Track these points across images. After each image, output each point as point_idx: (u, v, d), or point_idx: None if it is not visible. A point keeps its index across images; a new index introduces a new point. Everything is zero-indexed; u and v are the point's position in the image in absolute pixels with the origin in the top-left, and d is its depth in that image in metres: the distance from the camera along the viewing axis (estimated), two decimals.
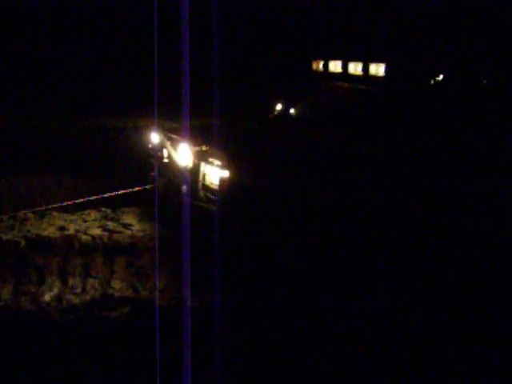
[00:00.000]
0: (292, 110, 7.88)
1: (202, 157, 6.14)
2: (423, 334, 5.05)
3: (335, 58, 7.51)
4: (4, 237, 6.07)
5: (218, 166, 5.89)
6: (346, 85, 7.38)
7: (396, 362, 4.62)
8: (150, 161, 7.20)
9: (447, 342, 4.94)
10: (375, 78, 6.95)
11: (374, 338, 4.93)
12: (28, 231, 6.28)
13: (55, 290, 5.74)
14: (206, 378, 4.16)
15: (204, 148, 6.22)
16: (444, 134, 7.02)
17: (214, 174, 5.95)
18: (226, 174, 5.79)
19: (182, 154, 6.21)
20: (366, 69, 7.06)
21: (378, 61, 6.95)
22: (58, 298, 5.60)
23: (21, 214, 6.90)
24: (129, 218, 6.94)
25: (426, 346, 4.85)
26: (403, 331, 5.07)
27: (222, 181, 5.80)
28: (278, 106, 8.34)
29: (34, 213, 6.94)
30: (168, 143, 6.64)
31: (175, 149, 6.46)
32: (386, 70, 6.81)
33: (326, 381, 4.38)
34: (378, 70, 6.94)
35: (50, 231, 6.33)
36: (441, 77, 7.40)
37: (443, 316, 5.37)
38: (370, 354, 4.68)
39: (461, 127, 7.17)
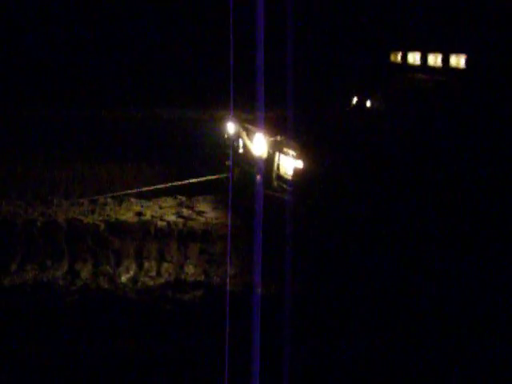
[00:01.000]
0: (368, 103, 7.79)
1: (276, 147, 6.18)
2: None
3: (414, 50, 7.34)
4: (85, 220, 6.34)
5: (292, 156, 5.91)
6: (425, 77, 7.21)
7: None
8: (226, 151, 7.31)
9: None
10: (456, 69, 6.76)
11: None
12: (107, 215, 6.52)
13: (131, 273, 5.96)
14: (273, 365, 4.21)
15: (279, 138, 6.26)
16: None
17: (289, 164, 5.97)
18: (300, 164, 5.80)
19: (257, 144, 6.26)
20: (446, 60, 6.86)
21: (458, 52, 6.75)
22: (134, 280, 5.81)
23: (101, 198, 7.17)
24: (203, 205, 7.07)
25: None
26: None
27: (296, 171, 5.82)
28: (355, 99, 8.25)
29: (113, 198, 7.20)
30: (243, 133, 6.72)
31: (250, 139, 6.53)
32: (467, 62, 6.60)
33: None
34: (458, 61, 6.74)
35: (128, 216, 6.54)
36: None
37: None
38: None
39: None
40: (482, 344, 4.75)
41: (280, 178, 6.09)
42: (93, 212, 6.63)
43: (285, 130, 6.42)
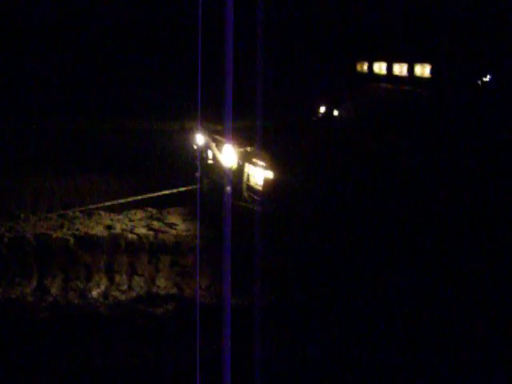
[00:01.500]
0: (336, 112, 7.88)
1: (246, 158, 6.20)
2: None
3: (380, 60, 7.46)
4: (54, 234, 6.26)
5: (262, 166, 5.94)
6: (391, 86, 7.32)
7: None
8: (195, 162, 7.30)
9: None
10: (421, 79, 6.88)
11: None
12: (77, 229, 6.45)
13: (102, 287, 5.90)
14: (245, 376, 4.21)
15: (248, 149, 6.28)
16: (493, 138, 6.88)
17: (258, 174, 6.00)
18: (269, 174, 5.83)
19: (227, 155, 6.27)
20: (411, 70, 6.99)
21: (423, 61, 6.87)
22: (105, 295, 5.76)
23: (70, 212, 7.10)
24: (174, 217, 7.05)
25: None
26: None
27: (266, 181, 5.85)
28: (322, 108, 8.34)
29: (82, 212, 7.13)
30: (212, 144, 6.73)
31: (220, 150, 6.54)
32: (432, 71, 6.73)
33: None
34: (423, 71, 6.87)
35: (98, 230, 6.48)
36: (488, 77, 7.25)
37: None
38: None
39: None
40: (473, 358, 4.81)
41: (250, 188, 6.11)
42: (62, 226, 6.55)
43: (254, 140, 6.45)
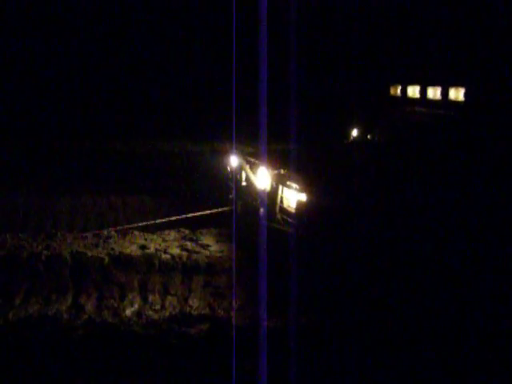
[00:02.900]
0: (369, 136, 7.88)
1: (280, 180, 6.24)
2: None
3: (413, 83, 7.46)
4: (89, 253, 6.35)
5: (295, 189, 5.96)
6: (424, 110, 7.31)
7: None
8: (229, 184, 7.37)
9: None
10: (455, 102, 6.86)
11: None
12: (111, 249, 6.54)
13: (136, 306, 5.96)
14: None
15: (282, 171, 6.32)
16: None
17: (292, 197, 6.02)
18: (303, 197, 5.85)
19: (261, 177, 6.32)
20: (445, 93, 6.97)
21: (457, 85, 6.86)
22: (139, 314, 5.81)
23: (105, 231, 7.20)
24: (207, 238, 7.10)
25: None
26: None
27: (300, 204, 5.87)
28: (355, 132, 8.35)
29: (116, 231, 7.22)
30: (247, 166, 6.78)
31: (254, 172, 6.59)
32: (466, 95, 6.71)
33: None
34: (457, 94, 6.85)
35: (132, 249, 6.56)
36: None
37: None
38: None
39: None
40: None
41: (283, 210, 6.13)
42: (97, 245, 6.65)
43: (288, 163, 6.49)
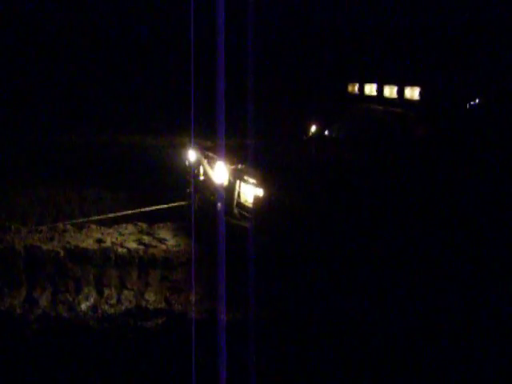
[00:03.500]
0: (327, 132, 7.98)
1: (237, 175, 6.28)
2: None
3: (371, 81, 7.59)
4: (44, 247, 6.26)
5: (252, 184, 6.01)
6: (381, 108, 7.45)
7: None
8: (187, 178, 7.37)
9: None
10: (410, 101, 7.01)
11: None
12: (67, 242, 6.46)
13: (91, 300, 5.91)
14: None
15: (240, 166, 6.36)
16: (481, 161, 7.01)
17: (249, 191, 6.07)
18: (260, 192, 5.91)
19: (218, 172, 6.34)
20: (401, 92, 7.12)
21: (412, 84, 7.01)
22: (95, 308, 5.77)
23: (60, 225, 7.11)
24: (164, 232, 7.08)
25: None
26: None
27: (257, 199, 5.92)
28: (313, 128, 8.44)
29: (72, 225, 7.14)
30: (205, 161, 6.80)
31: (211, 166, 6.61)
32: (421, 94, 6.87)
33: None
34: (412, 93, 7.00)
35: (88, 243, 6.49)
36: (477, 101, 7.40)
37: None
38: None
39: (500, 154, 7.12)
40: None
41: (240, 205, 6.18)
42: (52, 239, 6.56)
43: (245, 158, 6.53)
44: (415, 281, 6.06)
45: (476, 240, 6.52)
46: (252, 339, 4.91)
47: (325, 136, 7.96)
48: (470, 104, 7.45)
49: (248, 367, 4.44)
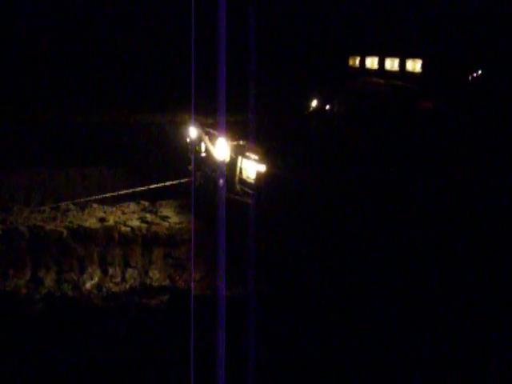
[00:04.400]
0: (328, 106, 7.93)
1: (239, 151, 6.25)
2: None
3: (372, 54, 7.51)
4: (47, 227, 6.28)
5: (254, 160, 5.99)
6: (382, 81, 7.38)
7: None
8: (188, 155, 7.35)
9: None
10: (412, 74, 6.94)
11: None
12: (70, 222, 6.48)
13: (96, 279, 5.95)
14: (239, 368, 4.26)
15: (241, 142, 6.33)
16: (484, 134, 6.95)
17: (251, 168, 6.05)
18: (262, 168, 5.89)
19: (220, 149, 6.31)
20: (402, 65, 7.05)
21: (414, 56, 6.93)
22: (99, 287, 5.80)
23: (63, 205, 7.12)
24: (166, 210, 7.09)
25: None
26: None
27: (259, 175, 5.90)
28: (314, 102, 8.39)
29: (75, 204, 7.15)
30: (206, 137, 6.76)
31: (213, 143, 6.58)
32: (423, 66, 6.79)
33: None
34: (414, 66, 6.93)
35: (91, 222, 6.51)
36: (479, 72, 7.32)
37: None
38: None
39: (502, 127, 7.06)
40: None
41: (242, 181, 6.16)
42: (55, 219, 6.57)
43: (247, 134, 6.50)
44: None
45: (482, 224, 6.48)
46: (252, 316, 4.94)
47: (326, 110, 7.90)
48: (472, 76, 7.38)
49: (247, 345, 4.47)
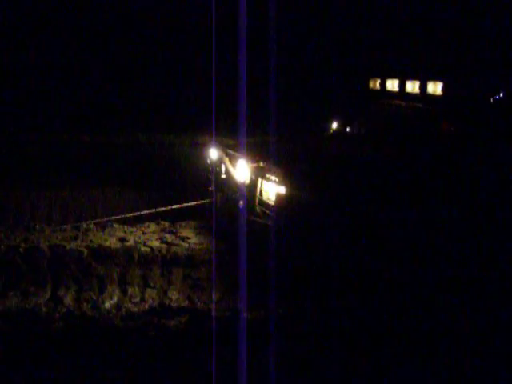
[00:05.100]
0: (348, 128, 7.93)
1: (259, 173, 6.26)
2: None
3: (392, 77, 7.52)
4: (68, 246, 6.31)
5: (274, 181, 5.99)
6: (403, 103, 7.37)
7: None
8: (208, 176, 7.37)
9: None
10: (433, 96, 6.93)
11: None
12: (90, 241, 6.51)
13: (115, 299, 5.95)
14: None
15: (261, 164, 6.33)
16: (505, 156, 6.90)
17: (271, 189, 6.05)
18: (282, 190, 5.88)
19: (240, 170, 6.33)
20: (423, 87, 7.04)
21: (435, 79, 6.93)
22: (118, 306, 5.80)
23: (83, 224, 7.16)
24: (186, 231, 7.10)
25: None
26: None
27: (279, 196, 5.89)
28: (334, 124, 8.40)
29: (95, 224, 7.19)
30: (226, 159, 6.79)
31: (233, 165, 6.60)
32: (444, 88, 6.78)
33: None
34: (435, 88, 6.92)
35: (111, 242, 6.53)
36: (501, 94, 7.29)
37: None
38: None
39: None
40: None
41: (263, 203, 6.16)
42: (76, 238, 6.61)
43: (267, 156, 6.51)
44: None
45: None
46: (273, 337, 4.91)
47: (346, 132, 7.91)
48: (494, 98, 7.34)
49: (268, 367, 4.43)
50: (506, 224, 6.44)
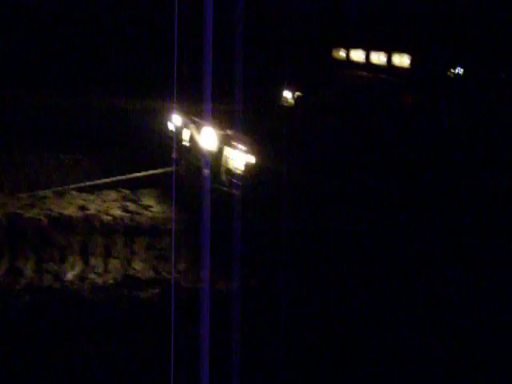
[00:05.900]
0: (312, 97, 7.89)
1: (225, 141, 6.14)
2: None
3: (356, 47, 7.50)
4: (25, 214, 6.07)
5: (242, 150, 5.89)
6: (368, 74, 7.38)
7: None
8: (171, 143, 7.19)
9: None
10: (399, 68, 6.95)
11: None
12: (49, 210, 6.27)
13: (77, 269, 5.78)
14: (223, 360, 4.19)
15: (229, 132, 6.22)
16: (463, 128, 7.02)
17: (239, 158, 5.95)
18: (251, 159, 5.79)
19: (206, 138, 6.19)
20: (389, 59, 7.05)
21: (402, 51, 6.94)
22: (81, 277, 5.64)
23: (40, 192, 6.89)
24: (148, 199, 6.93)
25: None
26: None
27: (248, 166, 5.81)
28: (291, 93, 8.33)
29: (53, 192, 6.93)
30: (191, 126, 6.64)
31: (198, 132, 6.46)
32: (412, 61, 6.80)
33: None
34: (401, 60, 6.94)
35: (71, 210, 6.31)
36: (458, 69, 7.40)
37: None
38: None
39: (480, 122, 7.14)
40: None
41: (229, 172, 6.06)
42: (33, 206, 6.36)
43: (233, 124, 6.40)
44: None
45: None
46: (238, 311, 4.86)
47: (310, 102, 7.86)
48: (451, 72, 7.44)
49: (231, 336, 4.39)
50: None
